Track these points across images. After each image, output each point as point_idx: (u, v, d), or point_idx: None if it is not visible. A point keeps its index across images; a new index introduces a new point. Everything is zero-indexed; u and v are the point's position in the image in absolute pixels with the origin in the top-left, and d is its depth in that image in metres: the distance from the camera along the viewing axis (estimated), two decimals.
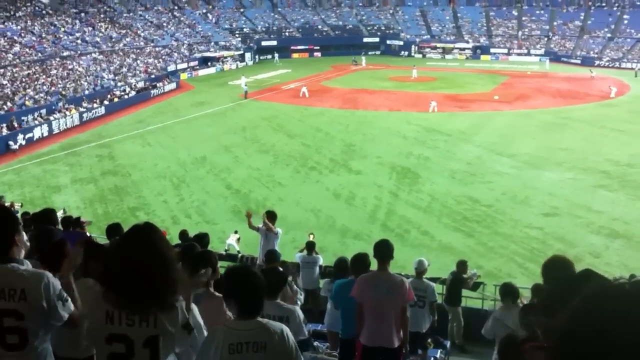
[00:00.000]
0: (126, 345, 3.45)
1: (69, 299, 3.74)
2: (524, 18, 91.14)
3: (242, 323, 3.91)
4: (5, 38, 56.61)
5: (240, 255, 16.82)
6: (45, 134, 39.23)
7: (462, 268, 12.38)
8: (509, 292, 8.49)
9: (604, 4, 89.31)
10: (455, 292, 12.21)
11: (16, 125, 37.33)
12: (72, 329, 3.80)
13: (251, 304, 3.98)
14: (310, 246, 13.42)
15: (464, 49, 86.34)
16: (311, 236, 14.32)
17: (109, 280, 3.49)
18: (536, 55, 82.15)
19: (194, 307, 4.21)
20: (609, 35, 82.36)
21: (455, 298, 12.27)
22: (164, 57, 70.72)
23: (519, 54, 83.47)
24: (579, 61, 77.13)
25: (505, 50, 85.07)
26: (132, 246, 3.50)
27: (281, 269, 7.84)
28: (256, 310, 3.98)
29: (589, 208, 24.56)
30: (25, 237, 4.07)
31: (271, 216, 13.63)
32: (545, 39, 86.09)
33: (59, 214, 13.56)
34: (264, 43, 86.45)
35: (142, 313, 3.42)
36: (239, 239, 19.77)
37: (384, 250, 7.03)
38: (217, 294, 5.42)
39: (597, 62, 74.41)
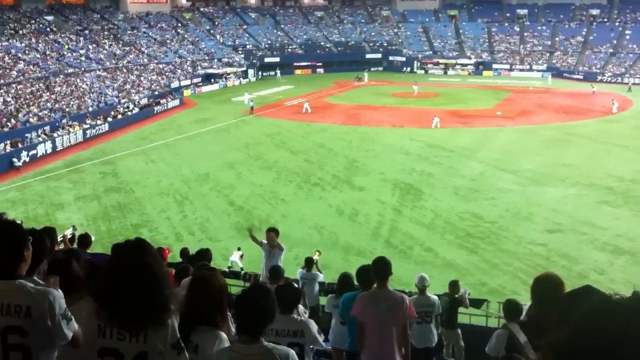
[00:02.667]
0: None
1: (73, 318, 3.72)
2: (525, 34, 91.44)
3: (248, 347, 3.89)
4: (10, 55, 57.02)
5: (243, 272, 16.77)
6: (49, 150, 39.36)
7: (455, 288, 12.20)
8: (511, 309, 8.42)
9: (605, 20, 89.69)
10: (453, 314, 12.07)
11: (19, 144, 37.46)
12: (75, 348, 3.77)
13: (247, 325, 3.94)
14: (309, 262, 13.18)
15: (466, 65, 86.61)
16: (317, 253, 14.09)
17: (101, 297, 3.50)
18: (538, 70, 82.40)
19: None
20: (610, 50, 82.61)
21: (454, 320, 12.12)
22: (167, 74, 71.04)
23: (521, 70, 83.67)
24: (581, 76, 77.30)
25: (508, 66, 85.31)
26: (123, 263, 3.50)
27: (297, 286, 7.81)
28: (254, 331, 3.93)
29: (593, 224, 24.48)
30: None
31: (274, 233, 13.55)
32: (548, 54, 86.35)
33: (69, 232, 13.53)
34: (266, 59, 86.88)
35: (133, 329, 3.42)
36: (242, 256, 19.74)
37: (382, 267, 6.99)
38: None
39: (599, 78, 74.58)
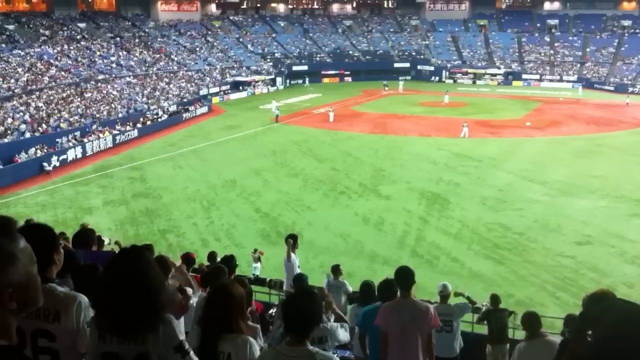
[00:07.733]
0: None
1: None
2: (556, 44, 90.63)
3: (292, 349, 3.96)
4: (42, 61, 58.00)
5: (268, 280, 16.75)
6: (79, 155, 39.84)
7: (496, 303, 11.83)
8: (530, 321, 8.29)
9: (637, 31, 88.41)
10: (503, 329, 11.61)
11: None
12: None
13: (295, 329, 4.01)
14: (335, 269, 12.89)
15: (495, 75, 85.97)
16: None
17: (98, 303, 3.52)
18: (569, 81, 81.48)
19: None
20: None
21: (504, 335, 11.64)
22: (196, 81, 71.68)
23: (551, 80, 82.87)
24: (612, 88, 76.28)
25: (538, 77, 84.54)
26: (117, 269, 3.47)
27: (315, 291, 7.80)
28: (300, 334, 3.99)
29: (623, 237, 24.08)
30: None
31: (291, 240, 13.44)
32: (578, 65, 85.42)
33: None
34: (295, 68, 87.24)
35: (129, 336, 3.42)
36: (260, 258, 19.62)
37: (405, 276, 6.94)
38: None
39: (630, 89, 73.43)
